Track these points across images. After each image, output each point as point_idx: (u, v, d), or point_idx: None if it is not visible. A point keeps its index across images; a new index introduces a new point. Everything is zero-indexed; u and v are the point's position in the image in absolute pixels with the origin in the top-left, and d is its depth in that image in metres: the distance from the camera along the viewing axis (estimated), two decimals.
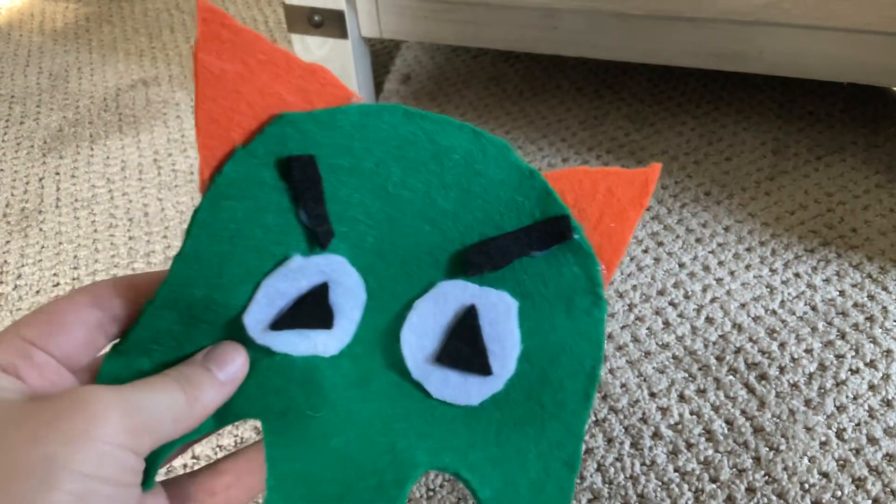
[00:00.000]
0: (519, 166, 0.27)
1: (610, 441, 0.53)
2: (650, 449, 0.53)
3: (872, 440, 0.52)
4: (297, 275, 0.27)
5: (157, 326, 0.26)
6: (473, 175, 0.27)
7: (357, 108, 0.27)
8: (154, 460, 0.26)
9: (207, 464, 0.30)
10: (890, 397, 0.55)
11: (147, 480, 0.26)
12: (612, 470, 0.52)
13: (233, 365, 0.26)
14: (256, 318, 0.27)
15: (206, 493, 0.28)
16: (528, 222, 0.27)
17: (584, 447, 0.53)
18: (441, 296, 0.27)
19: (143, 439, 0.23)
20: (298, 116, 0.26)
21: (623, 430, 0.54)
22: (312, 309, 0.27)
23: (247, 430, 0.54)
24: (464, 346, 0.27)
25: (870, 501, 0.49)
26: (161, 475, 0.28)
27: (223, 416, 0.27)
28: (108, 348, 0.27)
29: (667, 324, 0.62)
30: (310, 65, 0.27)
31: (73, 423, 0.21)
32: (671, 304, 0.63)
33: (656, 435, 0.54)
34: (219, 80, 0.25)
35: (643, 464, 0.52)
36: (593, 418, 0.55)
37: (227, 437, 0.54)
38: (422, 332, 0.27)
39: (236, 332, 0.27)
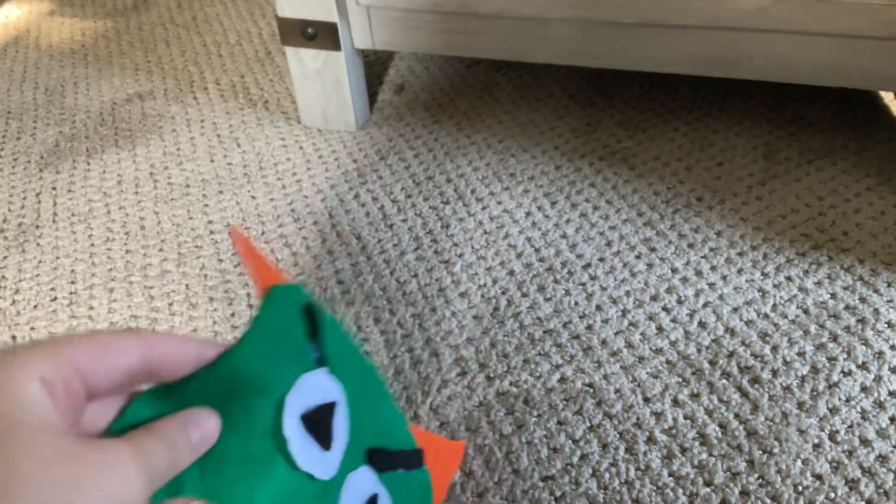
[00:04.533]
0: (397, 410, 0.39)
1: (605, 446, 0.54)
2: (645, 454, 0.53)
3: (865, 442, 0.52)
4: (324, 384, 0.32)
5: (205, 386, 0.29)
6: (382, 402, 0.38)
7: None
8: None
9: None
10: (882, 399, 0.55)
11: None
12: (607, 475, 0.52)
13: (208, 431, 0.28)
14: (296, 402, 0.31)
15: None
16: (404, 447, 0.38)
17: (579, 453, 0.53)
18: (361, 478, 0.35)
19: (149, 484, 0.25)
20: (302, 290, 0.35)
21: (618, 436, 0.54)
22: (323, 422, 0.32)
23: None
24: None
25: (863, 503, 0.49)
26: None
27: (208, 489, 0.29)
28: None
29: (660, 329, 0.62)
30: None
31: (108, 485, 0.23)
32: (664, 309, 0.64)
33: (651, 440, 0.54)
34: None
35: (638, 469, 0.52)
36: (588, 424, 0.55)
37: None
38: (351, 497, 0.34)
39: (265, 418, 0.30)
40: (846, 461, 0.51)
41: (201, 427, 0.28)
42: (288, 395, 0.30)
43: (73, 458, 0.23)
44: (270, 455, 0.30)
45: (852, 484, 0.50)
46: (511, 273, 0.69)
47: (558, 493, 0.51)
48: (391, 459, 0.37)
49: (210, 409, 0.29)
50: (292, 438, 0.30)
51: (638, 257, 0.69)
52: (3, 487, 0.22)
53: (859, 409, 0.54)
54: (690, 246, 0.70)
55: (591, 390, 0.58)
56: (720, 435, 0.54)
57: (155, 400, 0.28)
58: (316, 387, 0.32)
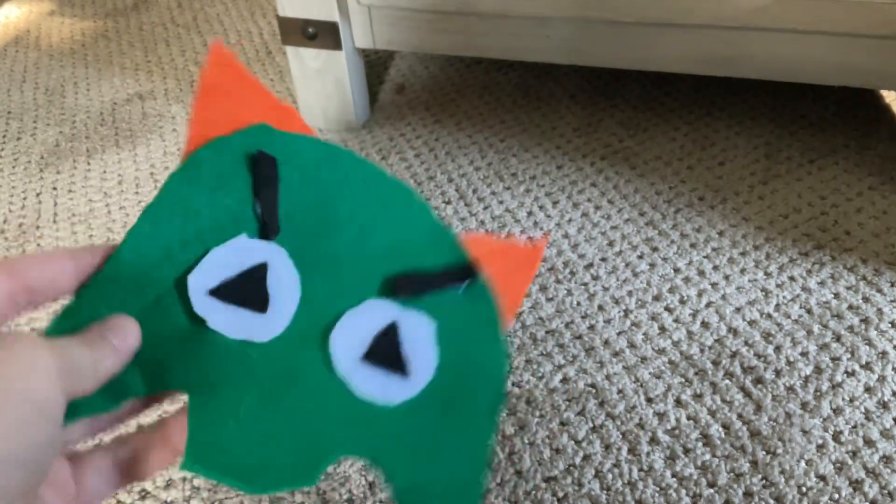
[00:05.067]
0: (438, 222, 0.34)
1: (607, 447, 0.54)
2: (647, 454, 0.53)
3: (869, 442, 0.52)
4: (242, 251, 0.31)
5: (103, 292, 0.29)
6: (404, 221, 0.33)
7: (322, 141, 0.33)
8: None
9: (114, 437, 0.31)
10: (886, 399, 0.55)
11: None
12: (609, 476, 0.52)
13: (128, 335, 0.28)
14: (200, 281, 0.30)
15: (107, 466, 0.29)
16: (443, 263, 0.33)
17: (582, 454, 0.53)
18: (369, 310, 0.31)
19: (68, 379, 0.24)
20: (274, 130, 0.32)
21: (620, 436, 0.54)
22: (250, 287, 0.30)
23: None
24: (386, 350, 0.31)
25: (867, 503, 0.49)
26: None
27: (152, 383, 0.29)
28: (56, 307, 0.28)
29: (662, 329, 0.62)
30: (286, 105, 0.33)
31: (5, 357, 0.22)
32: (667, 309, 0.64)
33: (653, 440, 0.54)
34: (216, 96, 0.32)
35: (641, 469, 0.52)
36: (590, 425, 0.55)
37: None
38: (350, 336, 0.31)
39: (177, 302, 0.30)
40: (850, 462, 0.51)
41: (119, 331, 0.27)
42: (190, 276, 0.30)
43: None
44: (200, 335, 0.29)
45: (856, 485, 0.50)
46: None
47: (561, 495, 0.51)
48: (419, 282, 0.32)
49: (123, 314, 0.28)
50: (209, 315, 0.29)
51: (640, 257, 0.69)
52: None
53: (863, 410, 0.54)
54: (693, 245, 0.70)
55: (594, 391, 0.57)
56: (723, 435, 0.54)
57: (62, 326, 0.28)
58: (230, 257, 0.30)
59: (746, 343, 0.60)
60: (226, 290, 0.30)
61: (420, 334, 0.31)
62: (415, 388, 0.30)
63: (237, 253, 0.31)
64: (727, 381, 0.57)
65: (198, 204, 0.31)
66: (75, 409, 0.27)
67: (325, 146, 0.33)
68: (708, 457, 0.52)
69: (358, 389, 0.30)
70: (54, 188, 0.87)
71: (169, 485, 0.53)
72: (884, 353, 0.58)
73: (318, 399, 0.30)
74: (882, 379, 0.56)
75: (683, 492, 0.50)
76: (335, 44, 0.84)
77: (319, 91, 0.89)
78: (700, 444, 0.53)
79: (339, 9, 0.82)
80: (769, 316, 0.62)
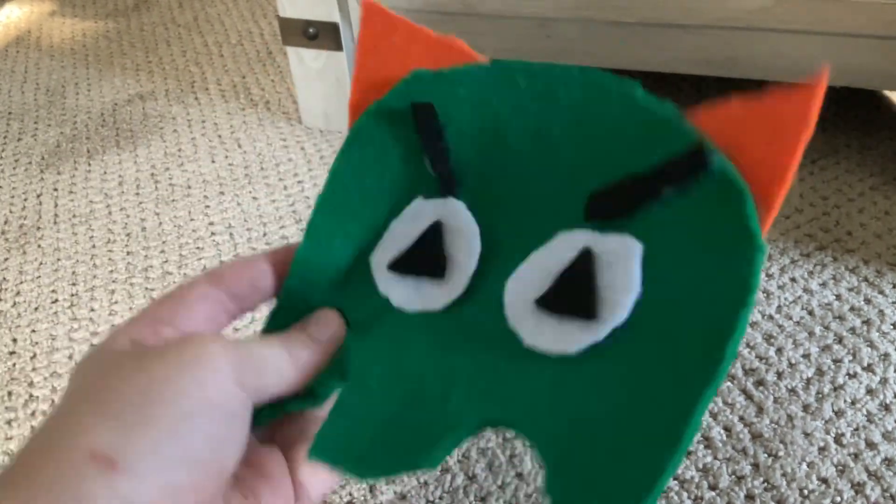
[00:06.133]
0: (649, 104, 0.25)
1: None
2: None
3: (871, 445, 0.52)
4: (417, 216, 0.28)
5: (299, 291, 0.28)
6: (603, 121, 0.26)
7: (486, 66, 0.28)
8: (259, 416, 0.26)
9: None
10: (888, 401, 0.55)
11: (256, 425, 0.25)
12: None
13: (329, 327, 0.28)
14: (380, 259, 0.28)
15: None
16: (658, 160, 0.24)
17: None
18: (557, 245, 0.25)
19: (247, 376, 0.24)
20: (426, 73, 0.29)
21: None
22: (426, 253, 0.27)
23: None
24: (569, 288, 0.24)
25: None
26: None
27: (346, 375, 0.28)
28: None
29: None
30: (445, 37, 0.30)
31: (179, 355, 0.23)
32: None
33: None
34: (371, 55, 0.30)
35: None
36: None
37: None
38: (529, 279, 0.25)
39: (364, 287, 0.29)
40: (852, 464, 0.51)
41: (320, 324, 0.28)
42: (371, 255, 0.28)
43: (144, 369, 0.22)
44: (387, 316, 0.28)
45: (858, 487, 0.50)
46: None
47: None
48: (623, 194, 0.24)
49: (325, 308, 0.28)
50: (390, 293, 0.28)
51: None
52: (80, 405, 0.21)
53: (865, 412, 0.54)
54: None
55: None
56: (725, 438, 0.54)
57: (269, 329, 0.28)
58: (406, 225, 0.28)
59: (748, 345, 0.60)
60: (402, 262, 0.28)
61: (620, 263, 0.23)
62: (600, 332, 0.23)
63: (412, 219, 0.28)
64: (728, 384, 0.57)
65: (367, 179, 0.29)
66: (280, 407, 0.27)
67: (489, 69, 0.28)
68: (709, 459, 0.52)
69: (527, 340, 0.24)
70: (55, 189, 0.87)
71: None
72: (886, 355, 0.58)
73: (473, 361, 0.25)
74: (884, 381, 0.56)
75: (685, 494, 0.50)
76: (336, 44, 0.84)
77: (320, 91, 0.89)
78: (701, 446, 0.53)
79: (340, 9, 0.82)
80: (771, 317, 0.62)
